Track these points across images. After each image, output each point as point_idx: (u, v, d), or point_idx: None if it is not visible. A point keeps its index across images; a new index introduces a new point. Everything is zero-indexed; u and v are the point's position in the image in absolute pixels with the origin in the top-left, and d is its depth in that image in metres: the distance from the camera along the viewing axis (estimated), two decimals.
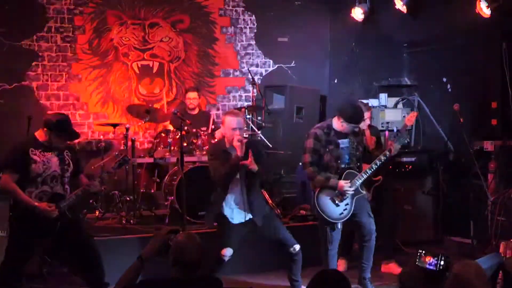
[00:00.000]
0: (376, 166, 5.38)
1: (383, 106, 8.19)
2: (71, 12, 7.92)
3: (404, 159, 7.45)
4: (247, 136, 5.20)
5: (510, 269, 5.09)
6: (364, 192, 5.44)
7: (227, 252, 5.13)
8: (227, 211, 5.27)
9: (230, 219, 5.25)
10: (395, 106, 8.42)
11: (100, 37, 8.07)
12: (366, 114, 6.03)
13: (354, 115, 5.31)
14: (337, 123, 5.36)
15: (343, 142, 5.37)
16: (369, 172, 5.37)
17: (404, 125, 6.82)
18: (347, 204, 5.34)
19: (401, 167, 7.42)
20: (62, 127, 4.83)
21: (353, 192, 5.33)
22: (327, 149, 5.32)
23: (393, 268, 6.28)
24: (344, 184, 5.28)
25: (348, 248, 6.52)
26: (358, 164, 5.44)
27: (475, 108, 7.35)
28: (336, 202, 5.32)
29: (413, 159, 7.51)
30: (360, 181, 5.35)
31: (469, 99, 7.40)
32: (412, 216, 7.35)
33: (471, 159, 6.60)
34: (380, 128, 7.58)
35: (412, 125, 7.41)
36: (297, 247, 5.29)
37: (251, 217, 5.26)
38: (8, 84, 7.64)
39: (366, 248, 5.46)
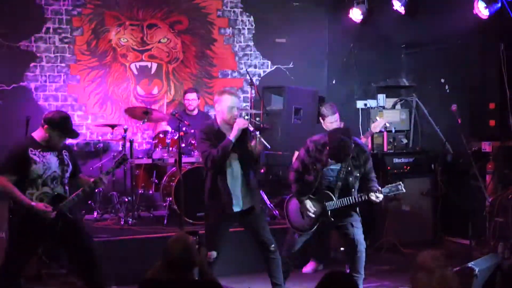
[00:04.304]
0: (355, 200, 5.11)
1: (381, 107, 8.20)
2: (69, 13, 7.93)
3: (402, 160, 7.47)
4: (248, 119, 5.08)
5: (508, 269, 5.11)
6: (332, 219, 5.14)
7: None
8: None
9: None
10: (393, 107, 8.43)
11: (98, 38, 8.07)
12: (334, 117, 5.60)
13: (336, 151, 5.02)
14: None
15: (334, 164, 5.15)
16: (345, 202, 5.11)
17: (369, 131, 6.77)
18: (311, 221, 5.19)
19: (400, 168, 7.43)
20: (65, 125, 4.81)
21: (315, 215, 5.15)
22: (314, 166, 5.17)
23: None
24: (307, 208, 5.12)
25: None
26: (353, 190, 5.15)
27: (473, 109, 7.35)
28: (303, 215, 5.22)
29: (411, 160, 7.53)
30: (332, 207, 5.13)
31: (467, 100, 7.40)
32: (411, 217, 7.35)
33: (469, 160, 6.59)
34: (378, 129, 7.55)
35: (378, 132, 7.15)
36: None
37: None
38: (6, 85, 7.64)
39: (355, 259, 5.23)
